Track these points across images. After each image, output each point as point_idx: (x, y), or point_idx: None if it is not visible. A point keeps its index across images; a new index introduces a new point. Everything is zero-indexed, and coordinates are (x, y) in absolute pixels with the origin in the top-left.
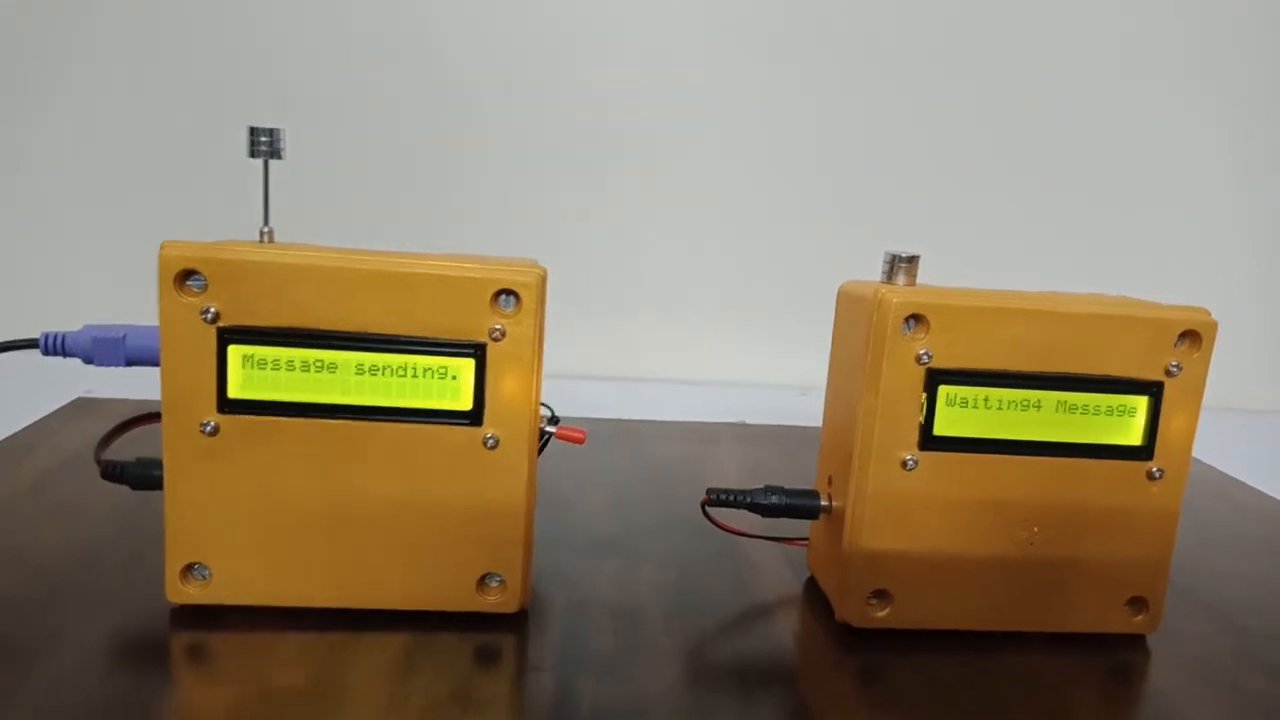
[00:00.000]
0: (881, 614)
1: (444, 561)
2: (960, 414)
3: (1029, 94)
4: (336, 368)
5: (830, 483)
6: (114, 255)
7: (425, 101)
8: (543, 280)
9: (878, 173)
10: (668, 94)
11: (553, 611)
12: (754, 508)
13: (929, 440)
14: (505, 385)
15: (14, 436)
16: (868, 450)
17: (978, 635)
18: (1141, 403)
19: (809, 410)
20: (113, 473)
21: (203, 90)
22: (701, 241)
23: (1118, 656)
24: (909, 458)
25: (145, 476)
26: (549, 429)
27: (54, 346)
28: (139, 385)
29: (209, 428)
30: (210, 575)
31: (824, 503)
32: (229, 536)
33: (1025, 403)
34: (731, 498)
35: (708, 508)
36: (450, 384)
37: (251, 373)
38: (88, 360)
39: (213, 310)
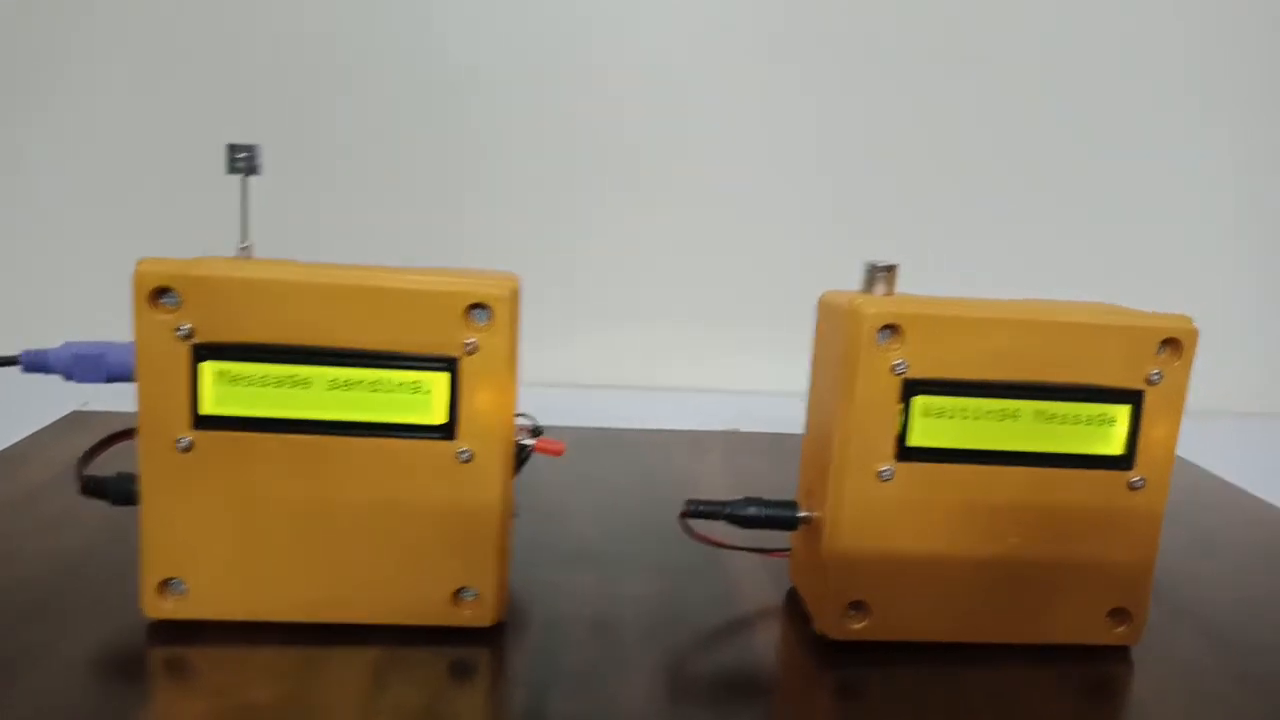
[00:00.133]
0: (859, 626)
1: (418, 576)
2: (937, 424)
3: (1028, 96)
4: (310, 383)
5: (810, 494)
6: (114, 256)
7: (418, 103)
8: (515, 293)
9: (877, 177)
10: (661, 98)
11: (530, 625)
12: (732, 519)
13: (905, 451)
14: (479, 399)
15: (8, 449)
16: (843, 461)
17: (957, 647)
18: (1122, 412)
19: (802, 419)
20: (92, 488)
21: (201, 92)
22: (695, 246)
23: (1099, 669)
24: (885, 469)
25: (124, 491)
26: (527, 442)
27: (35, 364)
28: (135, 399)
29: (184, 444)
30: (187, 590)
31: (802, 514)
32: (205, 551)
33: (1003, 413)
34: (710, 509)
35: (687, 520)
36: (423, 398)
37: (226, 389)
38: (68, 377)
39: (187, 327)
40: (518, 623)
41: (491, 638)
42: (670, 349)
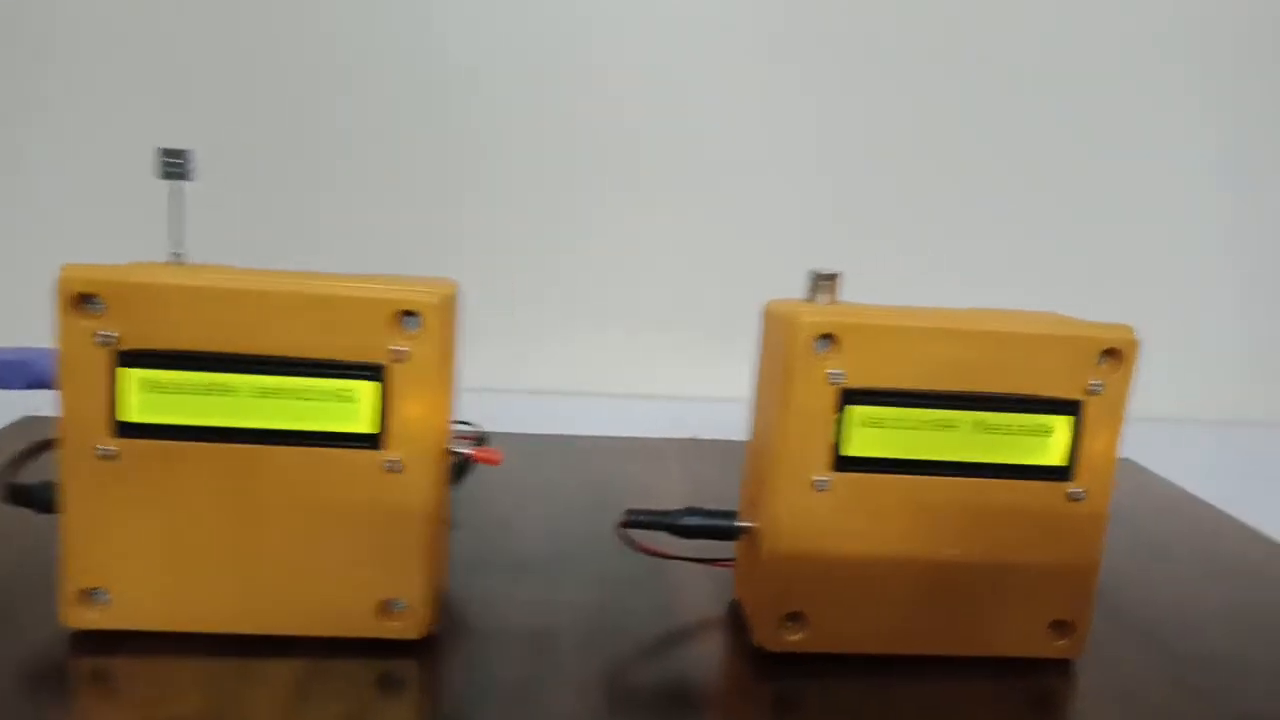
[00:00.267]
0: (796, 637)
1: (346, 587)
2: (874, 434)
3: (1026, 96)
4: (235, 391)
5: (751, 503)
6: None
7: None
8: (448, 300)
9: (876, 177)
10: (659, 99)
11: (463, 636)
12: (672, 529)
13: (841, 461)
14: (409, 408)
15: None
16: (779, 470)
17: (896, 659)
18: (1061, 422)
19: None
20: (17, 496)
21: (201, 91)
22: (661, 252)
23: (1040, 682)
24: (821, 478)
25: (49, 500)
26: (463, 451)
27: None
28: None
29: (106, 452)
30: (110, 600)
31: (742, 524)
32: (128, 561)
33: (941, 423)
34: (649, 519)
35: (626, 530)
36: (351, 407)
37: (149, 397)
38: None
39: (111, 334)
40: (451, 634)
41: (422, 650)
42: (627, 358)
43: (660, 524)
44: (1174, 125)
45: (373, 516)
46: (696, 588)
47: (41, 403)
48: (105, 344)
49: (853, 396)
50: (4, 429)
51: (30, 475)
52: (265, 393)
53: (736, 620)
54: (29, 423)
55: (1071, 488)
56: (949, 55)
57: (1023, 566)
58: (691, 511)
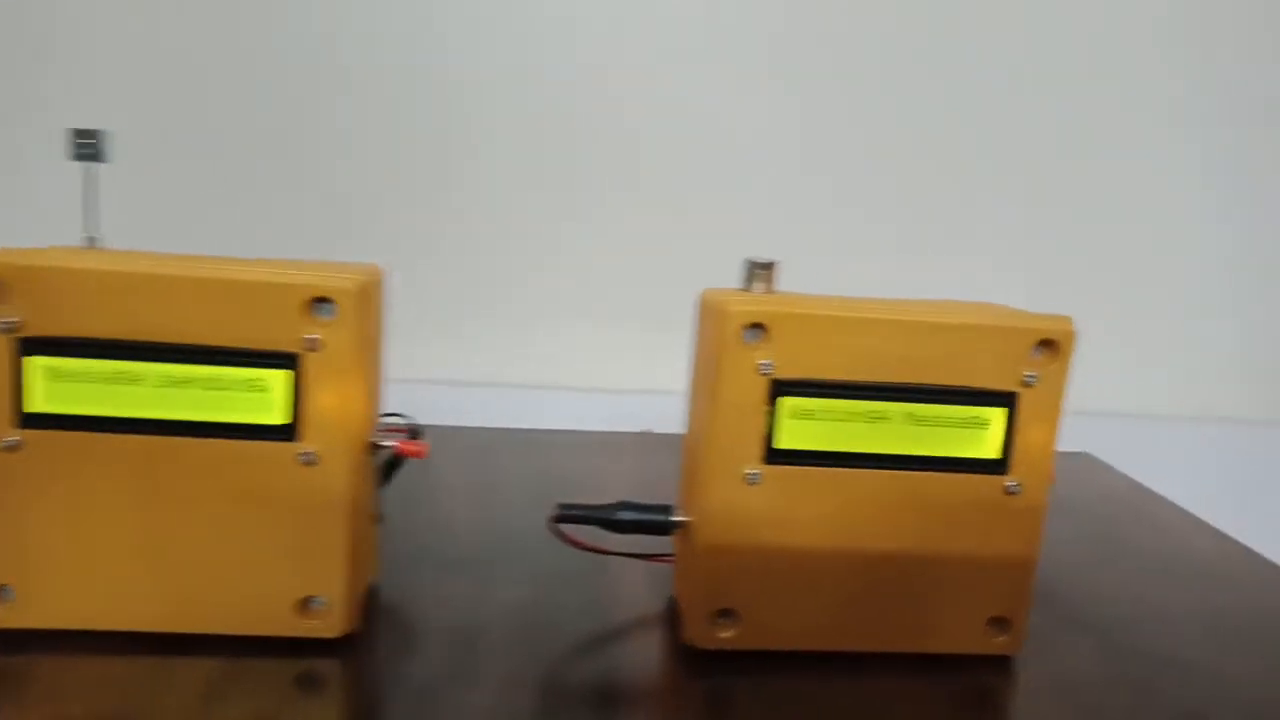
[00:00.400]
0: (728, 634)
1: (262, 584)
2: (806, 426)
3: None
4: (144, 380)
5: (686, 497)
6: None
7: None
8: (366, 288)
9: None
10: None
11: (388, 634)
12: (606, 524)
13: (773, 454)
14: (324, 398)
15: None
16: (710, 464)
17: (830, 656)
18: (996, 414)
19: None
20: None
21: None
22: (617, 246)
23: (978, 679)
24: (752, 472)
25: None
26: (386, 443)
27: None
28: None
29: (10, 444)
30: (15, 597)
31: (676, 518)
32: (35, 556)
33: (873, 414)
34: (582, 514)
35: (558, 525)
36: (263, 397)
37: (54, 386)
38: None
39: (13, 320)
40: (377, 632)
41: (344, 648)
42: (583, 351)
43: (593, 519)
44: (1172, 125)
45: (289, 511)
46: (636, 584)
47: None
48: (8, 331)
49: (783, 388)
50: None
51: None
52: (175, 382)
53: (674, 617)
54: None
55: (1008, 481)
56: (948, 55)
57: (959, 561)
58: (626, 506)
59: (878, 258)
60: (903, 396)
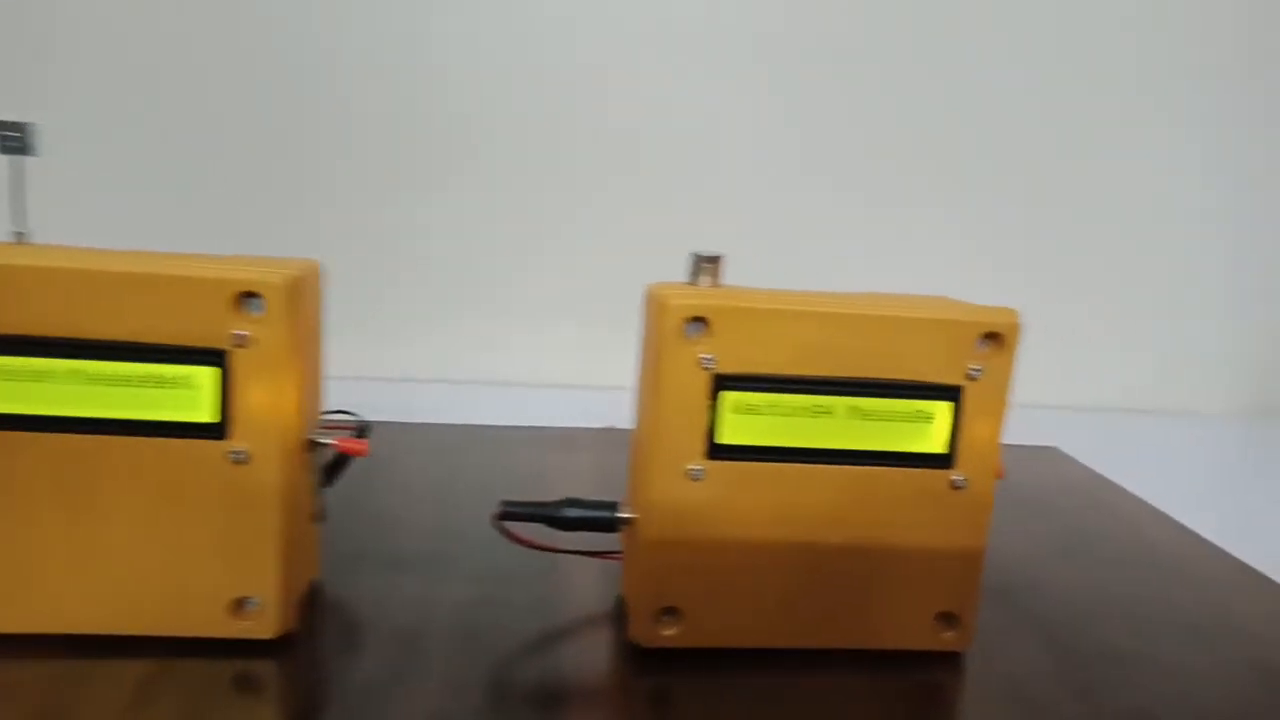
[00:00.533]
0: (671, 632)
1: (194, 584)
2: (748, 421)
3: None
4: (68, 378)
5: (632, 494)
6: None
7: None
8: (296, 282)
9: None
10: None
11: (327, 635)
12: (551, 521)
13: (716, 449)
14: (254, 396)
15: None
16: (653, 460)
17: (776, 654)
18: (941, 408)
19: None
20: None
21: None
22: (577, 243)
23: (926, 676)
24: (695, 467)
25: None
26: (325, 441)
27: None
28: None
29: None
30: None
31: (621, 515)
32: None
33: (816, 409)
34: (526, 511)
35: (502, 522)
36: (191, 394)
37: None
38: None
39: None
40: (317, 633)
41: (282, 649)
42: (543, 346)
43: (538, 516)
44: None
45: (219, 510)
46: (587, 582)
47: None
48: None
49: (725, 382)
50: None
51: None
52: (100, 379)
53: (621, 616)
54: None
55: (953, 475)
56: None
57: (905, 557)
58: (571, 503)
59: (877, 257)
60: (847, 390)
